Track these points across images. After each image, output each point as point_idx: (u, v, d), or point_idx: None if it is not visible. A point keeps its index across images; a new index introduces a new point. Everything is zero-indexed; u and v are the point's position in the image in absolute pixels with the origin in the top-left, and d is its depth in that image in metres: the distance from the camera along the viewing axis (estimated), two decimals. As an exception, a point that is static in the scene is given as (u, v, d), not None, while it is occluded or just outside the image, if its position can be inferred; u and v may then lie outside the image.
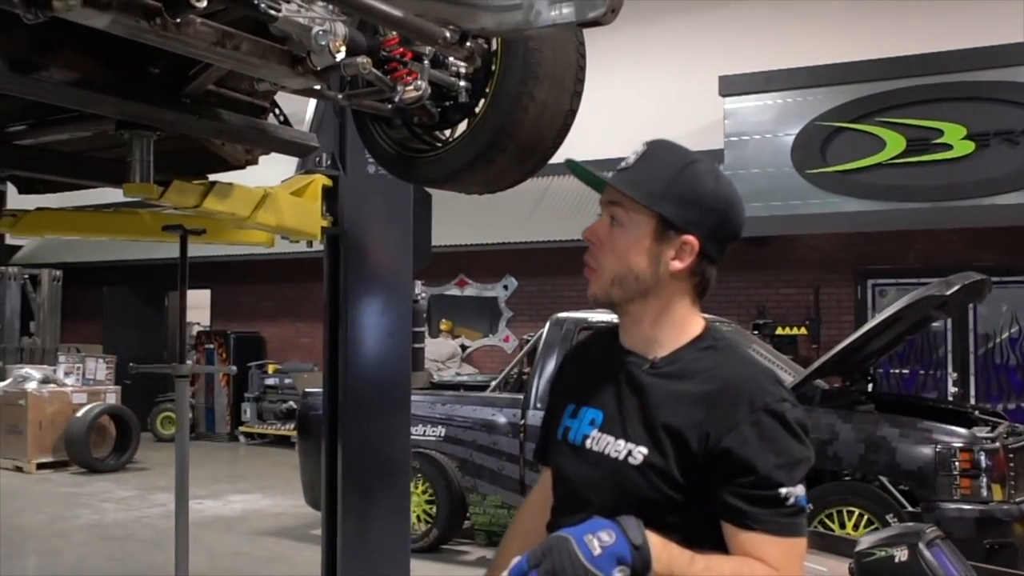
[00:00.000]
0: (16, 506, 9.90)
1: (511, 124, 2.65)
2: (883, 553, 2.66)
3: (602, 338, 1.92)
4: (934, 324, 10.04)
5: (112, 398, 12.49)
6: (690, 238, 1.73)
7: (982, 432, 6.08)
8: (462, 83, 2.67)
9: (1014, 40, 9.77)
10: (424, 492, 7.57)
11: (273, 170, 4.17)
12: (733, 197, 1.79)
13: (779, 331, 11.54)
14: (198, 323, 17.23)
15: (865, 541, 2.76)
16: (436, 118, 2.77)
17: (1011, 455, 5.97)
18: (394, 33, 2.49)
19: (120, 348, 14.64)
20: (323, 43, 2.24)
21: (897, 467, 5.96)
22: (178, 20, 2.01)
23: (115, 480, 11.28)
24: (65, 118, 2.99)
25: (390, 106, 2.70)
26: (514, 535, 2.02)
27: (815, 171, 10.55)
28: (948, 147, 9.91)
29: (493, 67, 2.64)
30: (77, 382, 12.66)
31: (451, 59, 2.61)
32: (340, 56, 2.28)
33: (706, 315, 1.86)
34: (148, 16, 1.97)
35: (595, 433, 1.77)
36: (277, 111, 3.33)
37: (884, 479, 6.15)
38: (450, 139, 2.82)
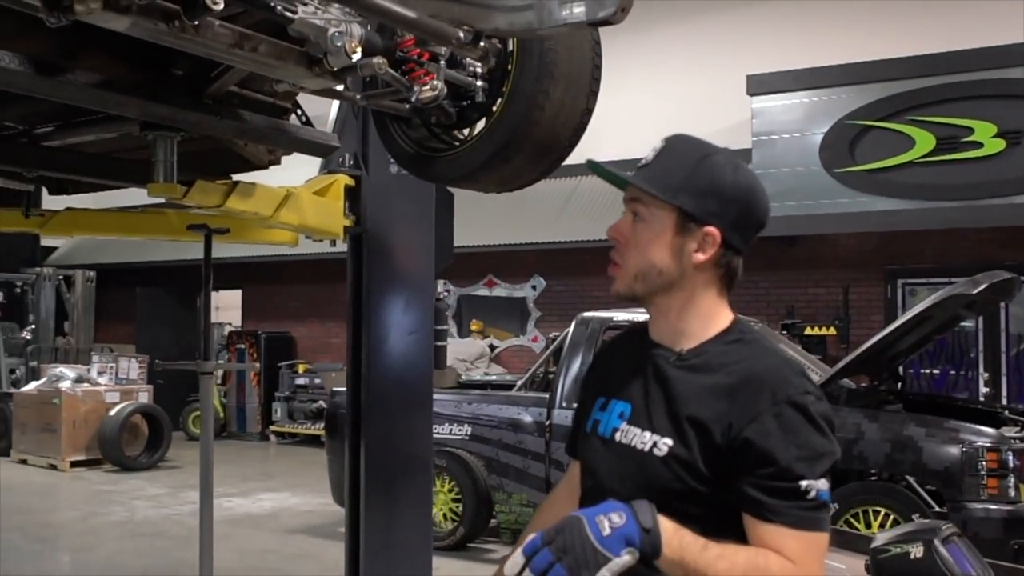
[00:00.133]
0: (50, 503, 10.07)
1: (527, 123, 2.68)
2: (899, 550, 2.66)
3: (634, 333, 1.94)
4: (965, 324, 10.00)
5: (144, 397, 12.66)
6: (712, 229, 1.74)
7: (1010, 432, 6.04)
8: (479, 83, 2.71)
9: (1045, 36, 9.69)
10: (450, 490, 7.62)
11: (301, 171, 4.22)
12: (754, 187, 1.80)
13: (808, 331, 11.49)
14: (229, 323, 17.39)
15: (881, 538, 2.76)
16: (454, 118, 2.81)
17: (1039, 455, 5.92)
18: (410, 34, 2.53)
19: (153, 348, 14.81)
20: (339, 44, 2.27)
21: (923, 467, 5.93)
22: (196, 23, 2.05)
23: (147, 478, 11.42)
24: (91, 120, 3.05)
25: (407, 106, 2.73)
26: (535, 526, 2.03)
27: (844, 170, 10.50)
28: (978, 145, 9.83)
29: (509, 67, 2.67)
30: (110, 381, 12.83)
31: (468, 59, 2.64)
32: (356, 57, 2.31)
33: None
34: (167, 19, 2.01)
35: (624, 426, 1.79)
36: (299, 112, 3.37)
37: (911, 479, 6.13)
38: (468, 138, 2.86)
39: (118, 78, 2.67)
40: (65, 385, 12.17)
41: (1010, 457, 5.77)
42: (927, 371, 11.16)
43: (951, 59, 9.94)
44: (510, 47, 2.66)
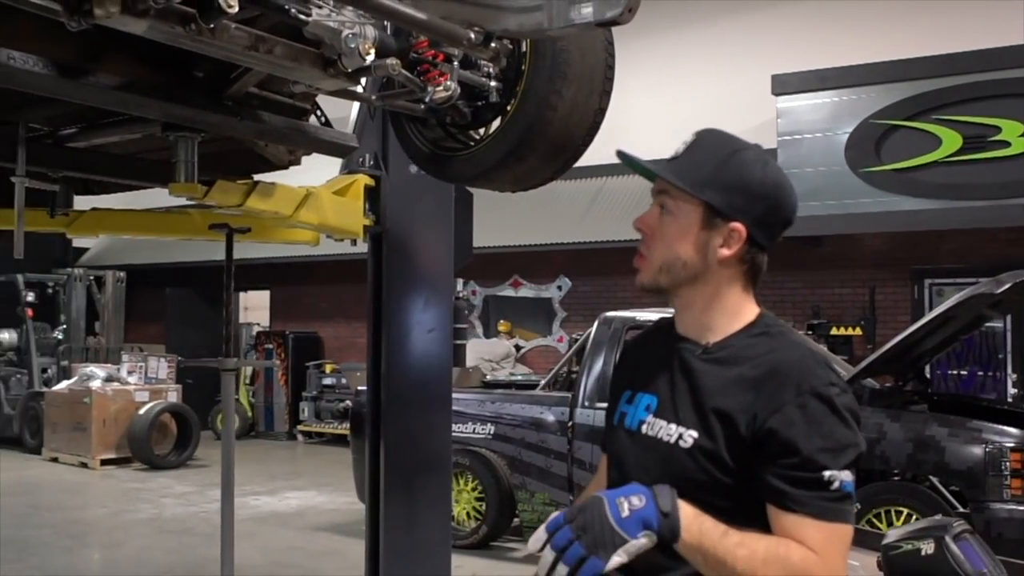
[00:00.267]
0: (80, 500, 10.20)
1: (540, 123, 2.71)
2: (910, 546, 2.67)
3: (661, 328, 1.94)
4: (994, 325, 9.92)
5: (173, 396, 12.79)
6: (737, 225, 1.75)
7: (1034, 432, 5.99)
8: (492, 83, 2.74)
9: (1074, 35, 9.61)
10: (474, 489, 7.66)
11: (324, 172, 4.27)
12: (782, 184, 1.80)
13: (834, 331, 11.44)
14: (258, 324, 17.53)
15: (892, 535, 2.76)
16: (468, 118, 2.85)
17: (1064, 456, 5.87)
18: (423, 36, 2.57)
19: (182, 347, 14.99)
20: (353, 46, 2.32)
21: (946, 467, 5.89)
22: (211, 25, 2.10)
23: (176, 476, 11.54)
24: (114, 121, 3.12)
25: (422, 106, 2.77)
26: None
27: (870, 170, 10.45)
28: (1005, 144, 9.76)
29: (523, 67, 2.71)
30: (140, 381, 12.98)
31: (481, 60, 2.68)
32: (370, 58, 2.36)
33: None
34: (183, 22, 2.06)
35: (650, 418, 1.80)
36: (318, 112, 3.42)
37: (934, 479, 6.10)
38: (483, 138, 2.90)
39: (140, 80, 2.73)
40: (95, 384, 12.33)
41: (1033, 457, 5.73)
42: (955, 372, 11.08)
43: (978, 58, 9.87)
44: (523, 48, 2.70)
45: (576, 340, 9.12)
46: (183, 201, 3.48)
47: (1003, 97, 9.76)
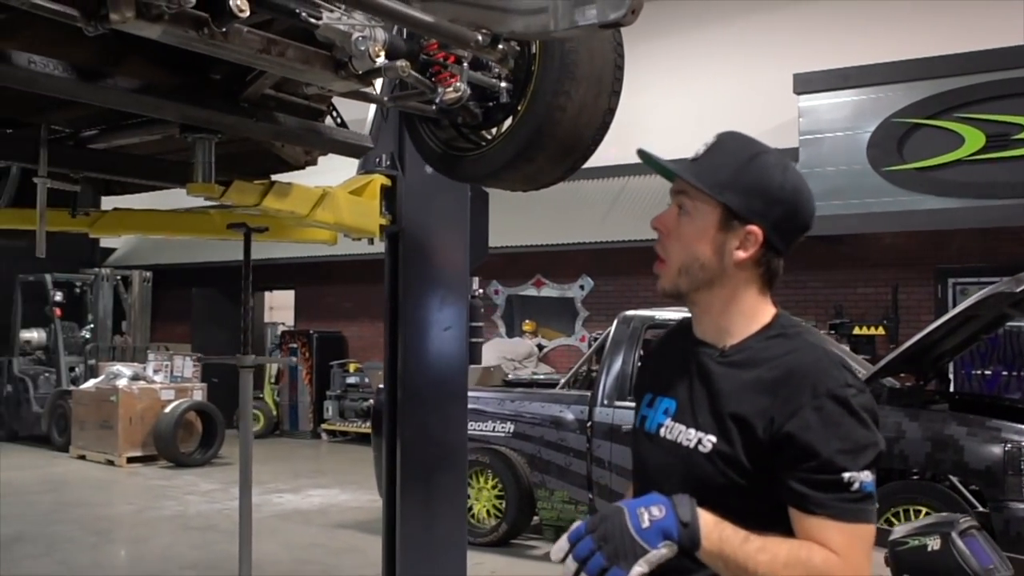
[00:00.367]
0: (106, 497, 10.34)
1: (549, 123, 2.75)
2: (916, 542, 2.69)
3: (680, 330, 1.96)
4: (1019, 324, 9.84)
5: (199, 395, 12.93)
6: (754, 228, 1.75)
7: (1056, 431, 5.96)
8: (503, 84, 2.79)
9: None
10: (494, 487, 7.70)
11: (344, 173, 4.33)
12: (800, 189, 1.80)
13: (856, 331, 11.38)
14: (283, 323, 17.66)
15: (899, 530, 2.78)
16: (479, 118, 2.89)
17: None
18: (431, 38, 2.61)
19: (207, 346, 15.14)
20: (363, 48, 2.37)
21: (965, 466, 5.87)
22: (224, 29, 2.15)
23: (200, 474, 11.66)
24: (134, 123, 3.18)
25: (433, 107, 2.82)
26: None
27: (892, 168, 10.39)
28: (1029, 142, 9.69)
29: (533, 68, 2.75)
30: (166, 379, 13.11)
31: (491, 61, 2.72)
32: (380, 60, 2.41)
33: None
34: (196, 26, 2.11)
35: (668, 422, 1.82)
36: (334, 113, 3.47)
37: (954, 479, 6.08)
38: (493, 138, 2.94)
39: (158, 83, 2.79)
40: (122, 383, 12.47)
41: (1054, 456, 5.70)
42: (979, 372, 11.00)
43: (1000, 56, 9.79)
44: (533, 49, 2.74)
45: (595, 339, 9.15)
46: (205, 202, 3.56)
47: (1026, 95, 9.69)
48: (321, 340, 15.58)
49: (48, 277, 14.27)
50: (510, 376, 10.83)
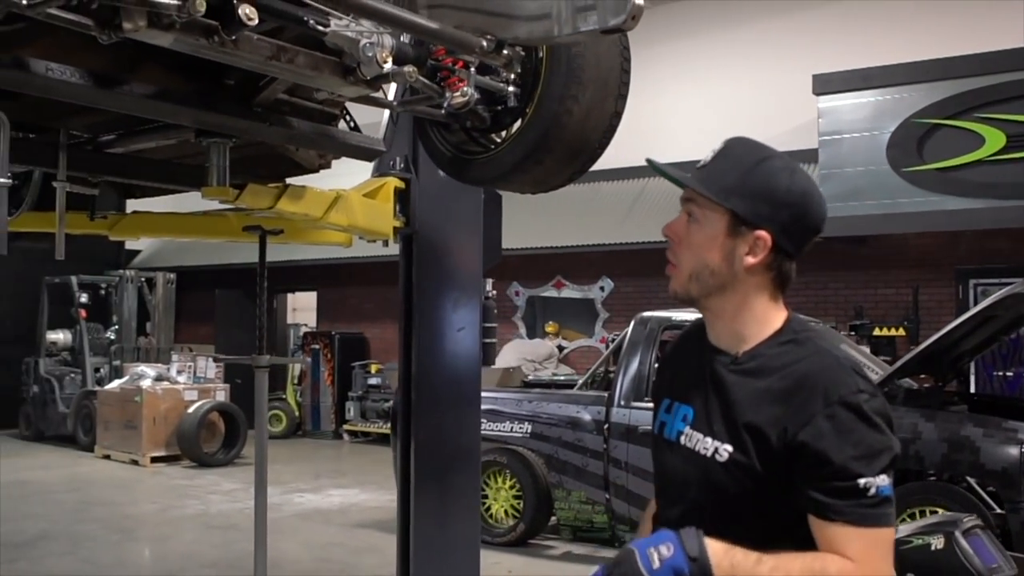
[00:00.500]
0: (130, 496, 10.45)
1: (556, 127, 2.80)
2: (920, 541, 2.71)
3: (694, 333, 1.96)
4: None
5: (222, 395, 13.03)
6: (763, 233, 1.75)
7: (1073, 433, 5.93)
8: (510, 88, 2.83)
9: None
10: (511, 487, 7.74)
11: (359, 177, 4.38)
12: (809, 192, 1.80)
13: (877, 332, 11.33)
14: (305, 324, 17.77)
15: (903, 530, 2.80)
16: (488, 122, 2.94)
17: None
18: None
19: (230, 348, 15.22)
20: (371, 55, 2.42)
21: (981, 467, 5.85)
22: (234, 37, 2.21)
23: (223, 474, 11.76)
24: (150, 128, 3.25)
25: (442, 111, 2.87)
26: (646, 519, 2.08)
27: (912, 169, 10.34)
28: (1050, 142, 9.64)
29: (540, 72, 2.79)
30: (189, 380, 13.22)
31: (497, 66, 2.77)
32: (388, 66, 2.46)
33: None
34: (207, 34, 2.17)
35: (687, 430, 1.83)
36: (347, 117, 3.53)
37: (972, 480, 6.06)
38: (501, 141, 2.98)
39: (173, 89, 2.85)
40: (146, 383, 12.60)
41: (1070, 458, 5.67)
42: (1000, 373, 10.94)
43: (1020, 56, 9.72)
44: (540, 54, 2.78)
45: (612, 340, 9.18)
46: (221, 205, 3.62)
47: (1047, 95, 9.64)
48: (343, 341, 15.67)
49: (74, 279, 14.44)
50: (530, 377, 10.85)
